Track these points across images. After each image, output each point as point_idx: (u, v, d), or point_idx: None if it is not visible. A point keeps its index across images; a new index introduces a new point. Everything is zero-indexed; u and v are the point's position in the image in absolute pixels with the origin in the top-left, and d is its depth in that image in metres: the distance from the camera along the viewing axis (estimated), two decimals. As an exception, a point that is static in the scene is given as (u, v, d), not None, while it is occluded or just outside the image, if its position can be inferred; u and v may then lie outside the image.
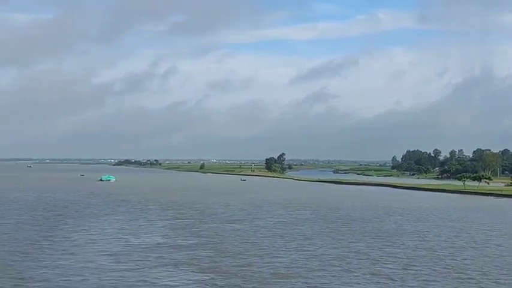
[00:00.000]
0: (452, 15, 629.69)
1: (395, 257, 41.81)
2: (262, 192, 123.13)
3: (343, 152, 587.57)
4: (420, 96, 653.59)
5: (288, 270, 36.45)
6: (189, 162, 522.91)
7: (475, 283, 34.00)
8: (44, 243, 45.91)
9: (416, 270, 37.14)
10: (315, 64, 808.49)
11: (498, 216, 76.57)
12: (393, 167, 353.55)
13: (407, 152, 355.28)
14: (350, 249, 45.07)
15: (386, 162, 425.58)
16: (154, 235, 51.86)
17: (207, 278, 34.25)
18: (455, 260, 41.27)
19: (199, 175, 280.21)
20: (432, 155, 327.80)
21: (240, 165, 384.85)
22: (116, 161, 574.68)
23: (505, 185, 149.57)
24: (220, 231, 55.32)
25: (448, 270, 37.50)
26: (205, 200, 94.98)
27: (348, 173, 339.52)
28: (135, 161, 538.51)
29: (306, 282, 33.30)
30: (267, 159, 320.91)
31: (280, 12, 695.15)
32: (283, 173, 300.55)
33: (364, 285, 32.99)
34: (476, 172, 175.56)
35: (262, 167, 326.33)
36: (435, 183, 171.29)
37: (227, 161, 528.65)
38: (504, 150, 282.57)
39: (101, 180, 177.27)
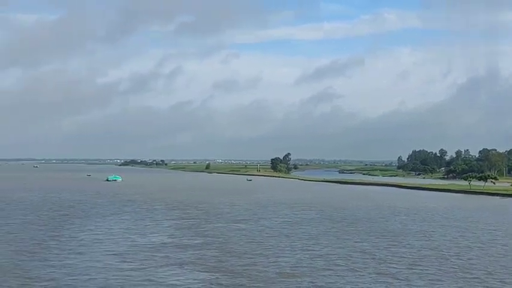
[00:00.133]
0: (457, 15, 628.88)
1: (401, 256, 41.86)
2: (267, 192, 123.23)
3: (349, 152, 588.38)
4: (425, 96, 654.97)
5: (294, 270, 36.55)
6: (194, 163, 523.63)
7: (480, 283, 34.04)
8: (51, 243, 46.15)
9: (422, 269, 37.20)
10: (320, 64, 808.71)
11: (504, 216, 76.51)
12: (399, 167, 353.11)
13: (413, 152, 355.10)
14: (355, 248, 45.13)
15: (392, 162, 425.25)
16: (160, 235, 52.05)
17: (213, 277, 34.39)
18: (461, 259, 41.30)
19: (205, 175, 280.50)
20: (438, 155, 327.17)
21: (246, 165, 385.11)
22: (122, 161, 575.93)
23: (511, 185, 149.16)
24: (225, 231, 55.47)
25: (454, 269, 37.54)
26: (211, 200, 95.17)
27: (354, 173, 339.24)
28: (141, 161, 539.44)
29: (312, 282, 33.39)
30: (272, 159, 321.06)
31: (285, 12, 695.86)
32: (288, 173, 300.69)
33: (370, 284, 33.07)
34: (482, 172, 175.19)
35: (267, 167, 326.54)
36: (441, 183, 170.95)
37: (233, 161, 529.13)
38: (510, 150, 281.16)
39: (107, 180, 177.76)
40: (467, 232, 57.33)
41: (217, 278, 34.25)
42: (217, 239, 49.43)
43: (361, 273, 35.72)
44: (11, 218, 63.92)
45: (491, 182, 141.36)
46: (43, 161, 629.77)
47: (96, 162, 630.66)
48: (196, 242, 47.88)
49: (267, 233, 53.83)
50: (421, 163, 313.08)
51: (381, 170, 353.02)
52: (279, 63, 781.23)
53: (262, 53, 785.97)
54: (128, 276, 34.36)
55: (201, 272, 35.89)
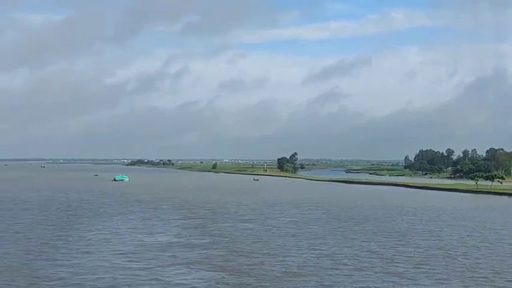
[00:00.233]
0: (465, 14, 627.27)
1: (408, 256, 41.85)
2: (274, 192, 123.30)
3: (355, 152, 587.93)
4: (432, 96, 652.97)
5: (300, 269, 36.62)
6: (201, 162, 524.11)
7: (488, 282, 34.01)
8: (58, 243, 46.35)
9: (429, 269, 37.18)
10: (326, 64, 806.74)
11: (511, 215, 76.31)
12: (406, 167, 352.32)
13: (420, 151, 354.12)
14: (362, 248, 45.15)
15: (399, 162, 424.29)
16: (167, 234, 52.20)
17: (220, 276, 34.48)
18: (468, 259, 41.26)
19: (211, 175, 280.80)
20: (445, 154, 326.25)
21: (253, 165, 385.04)
22: (129, 161, 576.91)
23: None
24: (232, 230, 55.57)
25: (461, 269, 37.52)
26: (217, 200, 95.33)
27: (360, 172, 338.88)
28: (147, 161, 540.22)
29: (319, 281, 33.45)
30: (279, 159, 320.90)
31: (292, 12, 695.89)
32: (295, 172, 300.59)
33: (377, 284, 33.09)
34: (489, 172, 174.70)
35: (274, 166, 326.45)
36: (448, 183, 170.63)
37: (239, 161, 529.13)
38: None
39: (114, 180, 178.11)
40: (475, 232, 57.25)
41: (224, 277, 34.34)
42: (224, 239, 49.54)
43: (368, 273, 35.74)
44: (18, 218, 64.21)
45: (498, 181, 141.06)
46: (50, 161, 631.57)
47: (103, 162, 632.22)
48: (203, 241, 48.01)
49: (273, 233, 53.91)
50: (428, 163, 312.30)
51: (387, 170, 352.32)
52: (285, 63, 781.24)
53: (269, 53, 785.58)
54: (135, 275, 34.51)
55: (208, 271, 35.99)
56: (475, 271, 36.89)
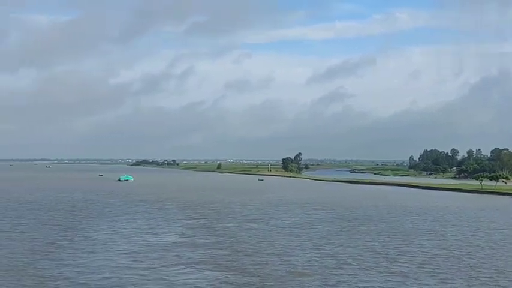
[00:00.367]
0: (470, 14, 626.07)
1: (412, 256, 41.92)
2: (279, 192, 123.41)
3: (360, 152, 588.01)
4: (437, 96, 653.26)
5: (305, 269, 36.73)
6: (206, 162, 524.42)
7: (492, 282, 34.04)
8: (64, 243, 46.56)
9: (433, 268, 37.25)
10: (331, 64, 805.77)
11: (516, 215, 76.27)
12: (410, 167, 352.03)
13: (424, 151, 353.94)
14: (367, 248, 45.22)
15: (403, 162, 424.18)
16: (172, 234, 52.38)
17: (224, 276, 34.61)
18: (473, 259, 41.30)
19: (216, 175, 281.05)
20: (450, 154, 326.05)
21: (257, 165, 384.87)
22: (134, 161, 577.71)
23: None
24: (237, 230, 55.72)
25: (466, 269, 37.55)
26: (222, 200, 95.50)
27: (365, 172, 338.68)
28: (152, 161, 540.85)
29: (323, 281, 33.56)
30: (283, 159, 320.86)
31: (298, 12, 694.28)
32: (299, 173, 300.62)
33: (381, 283, 33.18)
34: (493, 172, 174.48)
35: (278, 166, 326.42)
36: (452, 183, 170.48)
37: (244, 161, 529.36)
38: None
39: (119, 180, 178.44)
40: (479, 232, 57.28)
41: (228, 276, 34.47)
42: (229, 239, 49.69)
43: (373, 272, 35.83)
44: (24, 218, 64.48)
45: (503, 181, 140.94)
46: (55, 161, 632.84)
47: (108, 162, 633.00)
48: (207, 241, 48.16)
49: (278, 233, 54.04)
50: (433, 163, 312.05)
51: (392, 170, 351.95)
52: (291, 63, 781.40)
53: (275, 53, 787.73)
54: (141, 275, 34.68)
55: (213, 271, 36.14)
56: (479, 271, 36.93)
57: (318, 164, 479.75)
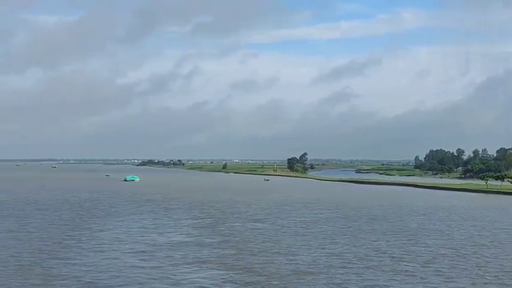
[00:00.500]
0: (475, 13, 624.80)
1: (417, 255, 42.06)
2: (284, 192, 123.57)
3: (366, 152, 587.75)
4: (443, 96, 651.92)
5: (310, 268, 36.92)
6: (211, 162, 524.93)
7: (497, 281, 34.16)
8: (71, 242, 46.88)
9: (438, 267, 37.40)
10: (337, 64, 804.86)
11: (521, 215, 76.28)
12: (416, 167, 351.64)
13: (430, 151, 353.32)
14: (372, 247, 45.38)
15: (409, 162, 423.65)
16: (178, 234, 52.66)
17: (230, 275, 34.85)
18: (478, 258, 41.42)
19: (221, 175, 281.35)
20: (455, 154, 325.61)
21: (263, 165, 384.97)
22: (140, 161, 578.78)
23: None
24: (243, 230, 55.96)
25: (471, 268, 37.68)
26: (228, 200, 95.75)
27: (370, 172, 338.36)
28: (158, 161, 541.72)
29: (328, 279, 33.76)
30: (289, 159, 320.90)
31: (303, 12, 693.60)
32: (305, 172, 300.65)
33: (386, 282, 33.34)
34: (499, 171, 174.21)
35: (284, 166, 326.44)
36: (458, 183, 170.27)
37: (249, 161, 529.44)
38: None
39: (125, 180, 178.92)
40: (484, 231, 57.37)
41: (235, 275, 34.71)
42: (235, 238, 49.94)
43: (377, 271, 36.00)
44: (31, 218, 64.85)
45: (509, 181, 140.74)
46: (61, 162, 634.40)
47: (114, 162, 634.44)
48: (213, 240, 48.42)
49: (283, 232, 54.25)
50: (439, 163, 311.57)
51: (397, 170, 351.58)
52: (297, 63, 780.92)
53: (280, 52, 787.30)
54: (147, 274, 34.96)
55: (219, 270, 36.39)
56: (485, 270, 37.05)
57: (323, 164, 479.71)
